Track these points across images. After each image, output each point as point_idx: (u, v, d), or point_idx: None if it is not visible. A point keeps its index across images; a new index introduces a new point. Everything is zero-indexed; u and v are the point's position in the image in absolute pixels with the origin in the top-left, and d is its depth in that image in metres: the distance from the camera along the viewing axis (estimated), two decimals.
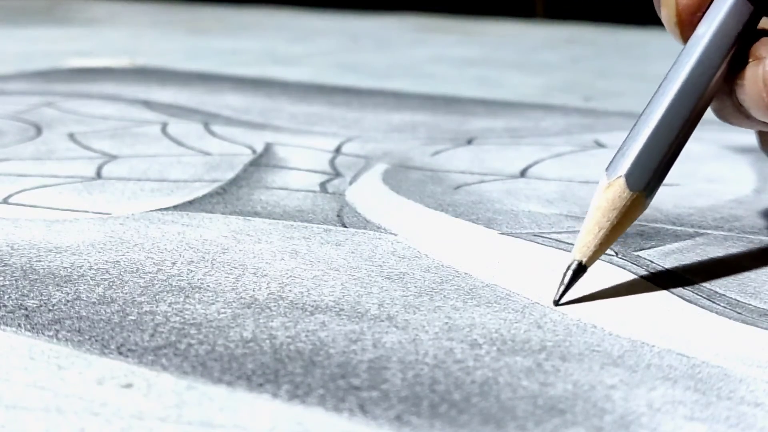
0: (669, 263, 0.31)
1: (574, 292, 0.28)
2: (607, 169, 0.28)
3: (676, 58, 0.28)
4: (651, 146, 0.28)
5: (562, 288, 0.27)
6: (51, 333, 0.25)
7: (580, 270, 0.28)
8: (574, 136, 0.52)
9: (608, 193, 0.27)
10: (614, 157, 0.28)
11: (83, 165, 0.43)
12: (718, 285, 0.29)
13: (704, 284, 0.29)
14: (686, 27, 0.28)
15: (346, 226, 0.35)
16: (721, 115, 0.29)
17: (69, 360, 0.23)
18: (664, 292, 0.28)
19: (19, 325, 0.25)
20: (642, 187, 0.27)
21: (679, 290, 0.28)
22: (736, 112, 0.28)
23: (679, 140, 0.28)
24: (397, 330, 0.25)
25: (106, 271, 0.29)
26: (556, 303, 0.27)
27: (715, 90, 0.28)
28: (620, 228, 0.28)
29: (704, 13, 0.28)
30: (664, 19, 0.29)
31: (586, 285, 0.29)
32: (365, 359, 0.23)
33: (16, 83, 0.67)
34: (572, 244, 0.32)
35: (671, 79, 0.28)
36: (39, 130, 0.51)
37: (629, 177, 0.27)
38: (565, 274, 0.27)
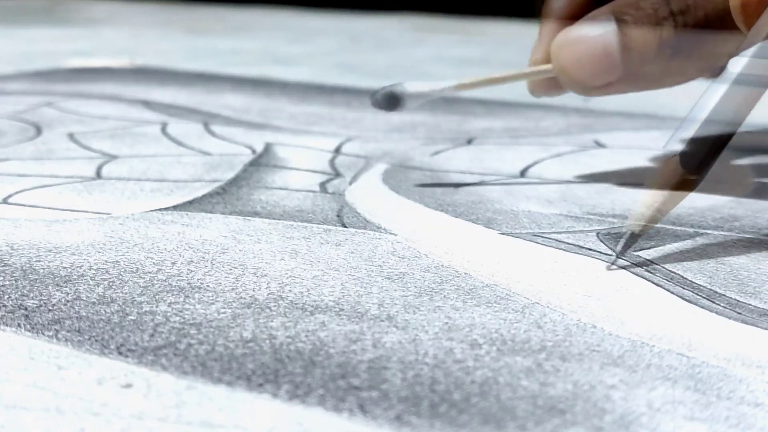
0: (669, 263, 0.31)
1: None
2: (664, 146, 0.29)
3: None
4: (705, 130, 0.29)
5: (616, 253, 0.30)
6: (51, 333, 0.25)
7: (632, 239, 0.30)
8: (574, 136, 0.52)
9: (663, 170, 0.29)
10: (672, 135, 0.29)
11: (83, 165, 0.43)
12: (718, 285, 0.29)
13: (704, 284, 0.29)
14: (751, 16, 0.29)
15: (346, 226, 0.35)
16: None
17: (69, 360, 0.23)
18: (664, 292, 0.28)
19: (19, 325, 0.25)
20: (694, 166, 0.29)
21: (679, 290, 0.28)
22: None
23: (731, 127, 0.29)
24: (397, 330, 0.25)
25: (106, 271, 0.29)
26: (609, 268, 0.30)
27: None
28: (671, 203, 0.30)
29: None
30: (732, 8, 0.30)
31: (586, 286, 0.29)
32: (365, 359, 0.23)
33: (16, 83, 0.67)
34: (572, 244, 0.32)
35: (733, 65, 0.29)
36: (39, 130, 0.51)
37: (683, 156, 0.29)
38: (618, 242, 0.30)
